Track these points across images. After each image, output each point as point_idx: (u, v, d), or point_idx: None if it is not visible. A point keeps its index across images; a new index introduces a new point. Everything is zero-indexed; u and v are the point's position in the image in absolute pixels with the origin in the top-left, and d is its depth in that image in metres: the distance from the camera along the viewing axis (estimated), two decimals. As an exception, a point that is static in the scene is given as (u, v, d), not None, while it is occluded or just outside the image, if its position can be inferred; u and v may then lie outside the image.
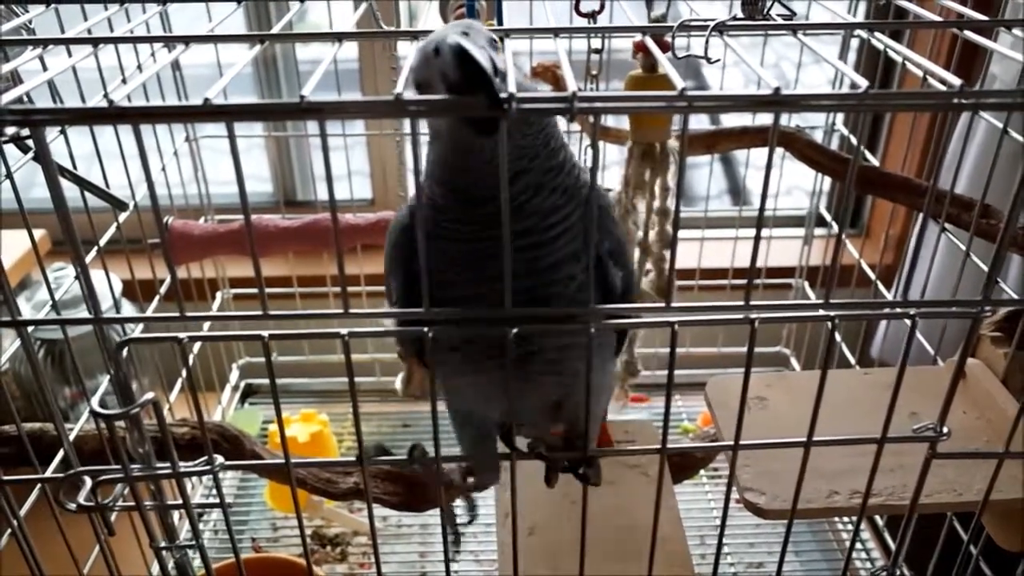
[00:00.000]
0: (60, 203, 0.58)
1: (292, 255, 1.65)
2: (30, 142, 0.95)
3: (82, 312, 1.43)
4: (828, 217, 1.76)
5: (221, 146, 1.54)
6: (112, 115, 0.54)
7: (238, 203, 0.57)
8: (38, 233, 1.27)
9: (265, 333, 0.63)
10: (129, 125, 0.55)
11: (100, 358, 1.61)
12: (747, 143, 1.28)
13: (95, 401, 0.64)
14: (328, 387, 1.82)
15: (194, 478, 1.38)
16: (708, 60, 0.72)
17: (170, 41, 0.74)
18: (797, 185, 2.45)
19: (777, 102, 0.56)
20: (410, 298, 0.75)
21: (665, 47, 0.80)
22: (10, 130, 0.64)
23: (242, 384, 1.82)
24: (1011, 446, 0.75)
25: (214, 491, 1.52)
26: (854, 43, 1.64)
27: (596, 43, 1.10)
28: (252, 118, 0.55)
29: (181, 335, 0.62)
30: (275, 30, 0.73)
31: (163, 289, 1.36)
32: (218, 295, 1.71)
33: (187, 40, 0.69)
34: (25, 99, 0.60)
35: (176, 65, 1.22)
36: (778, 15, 0.75)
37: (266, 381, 1.82)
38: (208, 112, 0.54)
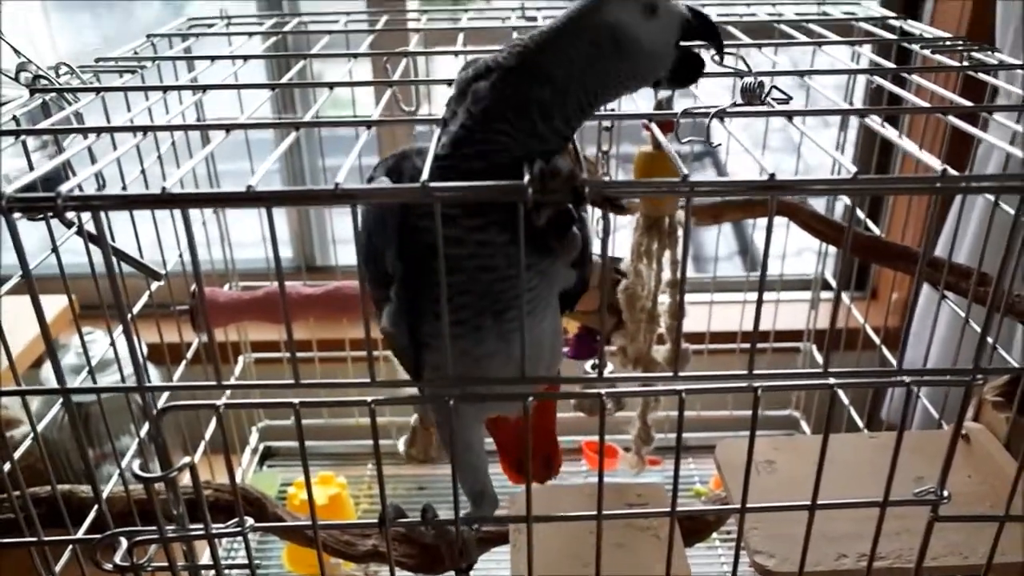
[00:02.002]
0: (112, 278, 0.63)
1: (312, 320, 1.70)
2: (69, 215, 1.01)
3: (111, 375, 1.47)
4: (833, 282, 1.80)
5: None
6: (164, 201, 0.59)
7: (261, 269, 0.63)
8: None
9: (296, 400, 0.67)
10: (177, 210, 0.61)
11: (123, 420, 1.65)
12: (752, 214, 1.33)
13: (135, 464, 0.68)
14: (345, 449, 1.84)
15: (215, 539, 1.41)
16: (710, 144, 0.77)
17: (209, 128, 0.80)
18: (808, 247, 2.49)
19: (773, 187, 0.60)
20: (409, 283, 0.75)
21: (671, 127, 0.86)
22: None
23: (261, 447, 1.85)
24: (1011, 509, 0.78)
25: (232, 553, 1.54)
26: (854, 120, 1.70)
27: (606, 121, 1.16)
28: (290, 203, 0.61)
29: (218, 403, 0.66)
30: (307, 117, 0.79)
31: (189, 354, 1.40)
32: (240, 359, 1.76)
33: (228, 128, 0.74)
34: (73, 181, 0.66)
35: (208, 142, 1.28)
36: (774, 99, 0.80)
37: (284, 444, 1.86)
38: (250, 198, 0.59)
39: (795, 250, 2.59)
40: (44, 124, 0.84)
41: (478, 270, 0.71)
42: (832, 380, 0.70)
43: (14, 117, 0.84)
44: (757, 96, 0.80)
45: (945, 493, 0.75)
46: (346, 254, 1.84)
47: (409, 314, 0.76)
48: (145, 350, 1.47)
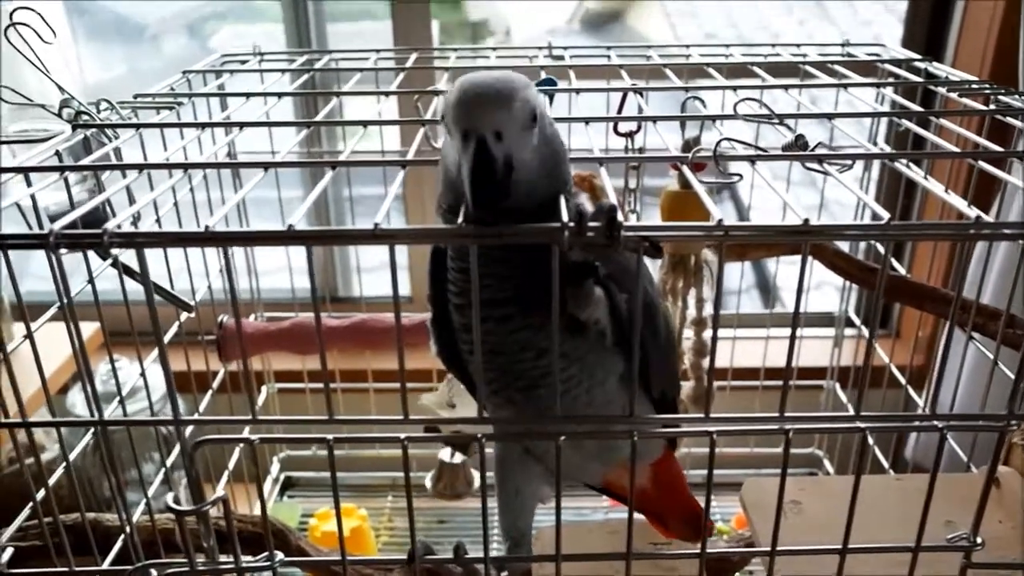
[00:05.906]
0: (154, 314, 0.64)
1: (336, 352, 1.71)
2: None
3: (137, 403, 1.49)
4: (857, 320, 1.79)
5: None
6: (207, 239, 0.61)
7: (285, 298, 0.63)
8: (94, 326, 1.33)
9: (330, 436, 0.68)
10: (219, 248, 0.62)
11: (145, 447, 1.66)
12: (777, 252, 1.33)
13: (169, 497, 0.69)
14: (364, 481, 1.84)
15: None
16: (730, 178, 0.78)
17: (246, 167, 0.81)
18: (826, 280, 2.48)
19: (807, 231, 0.61)
20: (440, 324, 0.82)
21: (702, 166, 0.87)
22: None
23: (282, 476, 1.85)
24: (1043, 557, 0.77)
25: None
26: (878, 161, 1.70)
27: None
28: (330, 243, 0.62)
29: (254, 437, 0.67)
30: (343, 155, 0.80)
31: (216, 383, 1.41)
32: (264, 389, 1.76)
33: (266, 166, 0.76)
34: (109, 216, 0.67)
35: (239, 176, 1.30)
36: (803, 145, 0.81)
37: (305, 474, 1.86)
38: (292, 237, 0.60)
39: (814, 283, 2.57)
40: (86, 160, 0.86)
41: (491, 353, 0.75)
42: (863, 424, 0.70)
43: (57, 152, 0.86)
44: (799, 149, 0.81)
45: (979, 540, 0.74)
46: (371, 285, 1.84)
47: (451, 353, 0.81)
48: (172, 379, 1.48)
